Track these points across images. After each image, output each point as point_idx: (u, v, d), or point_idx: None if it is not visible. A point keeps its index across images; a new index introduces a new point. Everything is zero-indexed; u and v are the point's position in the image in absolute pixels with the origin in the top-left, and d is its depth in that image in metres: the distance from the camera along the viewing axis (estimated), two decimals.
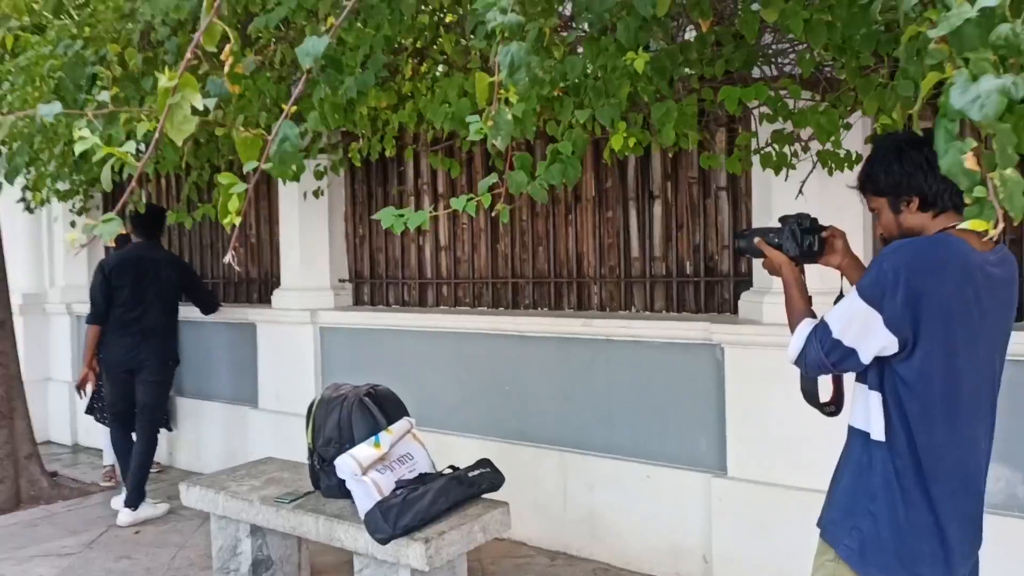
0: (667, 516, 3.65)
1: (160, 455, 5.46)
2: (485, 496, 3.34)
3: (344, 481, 3.13)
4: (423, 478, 3.21)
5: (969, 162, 0.99)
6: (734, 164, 2.91)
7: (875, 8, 1.62)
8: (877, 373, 1.79)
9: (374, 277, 5.09)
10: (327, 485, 3.30)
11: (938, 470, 1.76)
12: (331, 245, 5.06)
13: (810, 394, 2.09)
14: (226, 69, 1.35)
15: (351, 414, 3.31)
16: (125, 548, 4.19)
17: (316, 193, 4.65)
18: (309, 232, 5.03)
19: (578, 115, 2.07)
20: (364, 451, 3.18)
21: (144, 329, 4.76)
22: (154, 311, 4.81)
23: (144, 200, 5.17)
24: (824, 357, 1.81)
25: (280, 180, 4.64)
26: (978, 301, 1.73)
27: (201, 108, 1.37)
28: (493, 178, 1.86)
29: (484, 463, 3.43)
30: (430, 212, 1.85)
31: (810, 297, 2.03)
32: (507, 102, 1.59)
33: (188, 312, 5.24)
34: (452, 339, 4.43)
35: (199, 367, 5.75)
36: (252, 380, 5.30)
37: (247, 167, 1.60)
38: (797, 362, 1.91)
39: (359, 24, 2.47)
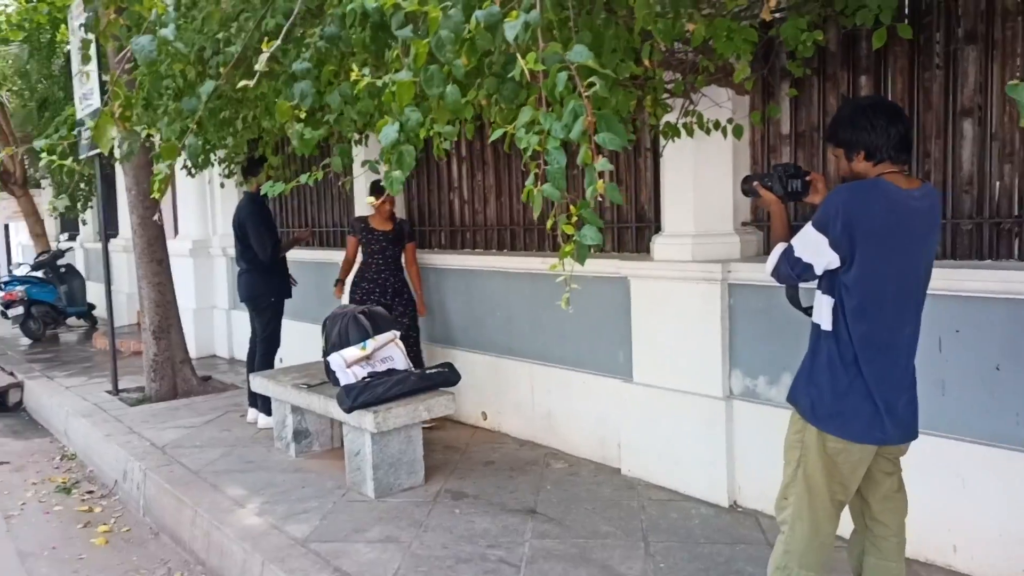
0: (596, 413, 4.59)
1: None
2: (444, 390, 4.45)
3: (335, 372, 4.38)
4: (390, 372, 4.38)
5: (383, 167, 1.97)
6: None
7: None
8: (828, 281, 2.41)
9: (423, 225, 6.26)
10: (333, 376, 4.56)
11: (870, 351, 2.35)
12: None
13: (794, 299, 2.71)
14: (117, 114, 2.53)
15: (348, 325, 4.53)
16: (229, 424, 5.77)
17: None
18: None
19: None
20: (351, 352, 4.41)
21: (238, 268, 5.78)
22: (238, 253, 5.73)
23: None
24: (790, 270, 2.45)
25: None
26: (900, 226, 2.31)
27: (116, 135, 2.57)
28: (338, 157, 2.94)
29: (445, 365, 4.55)
30: (288, 186, 2.94)
31: (791, 227, 2.61)
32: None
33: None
34: (461, 275, 5.54)
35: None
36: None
37: (164, 163, 2.80)
38: (773, 274, 2.53)
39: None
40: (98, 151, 6.42)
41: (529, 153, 1.85)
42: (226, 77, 2.91)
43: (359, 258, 5.57)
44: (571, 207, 1.82)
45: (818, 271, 2.42)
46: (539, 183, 1.77)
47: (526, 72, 1.79)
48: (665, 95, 3.57)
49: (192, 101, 3.14)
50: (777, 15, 3.39)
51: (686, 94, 3.62)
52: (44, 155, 2.81)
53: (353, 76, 1.90)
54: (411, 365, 4.59)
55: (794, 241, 2.45)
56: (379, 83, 1.90)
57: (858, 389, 2.39)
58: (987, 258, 3.29)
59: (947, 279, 3.13)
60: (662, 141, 3.87)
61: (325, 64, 2.87)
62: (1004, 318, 3.04)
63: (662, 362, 4.16)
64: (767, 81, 3.87)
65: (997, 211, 3.27)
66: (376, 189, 5.49)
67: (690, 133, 3.62)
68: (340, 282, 5.69)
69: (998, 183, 3.26)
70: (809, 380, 2.50)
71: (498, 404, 5.29)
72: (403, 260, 5.57)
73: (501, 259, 5.25)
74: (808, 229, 2.39)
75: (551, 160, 1.78)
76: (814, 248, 2.37)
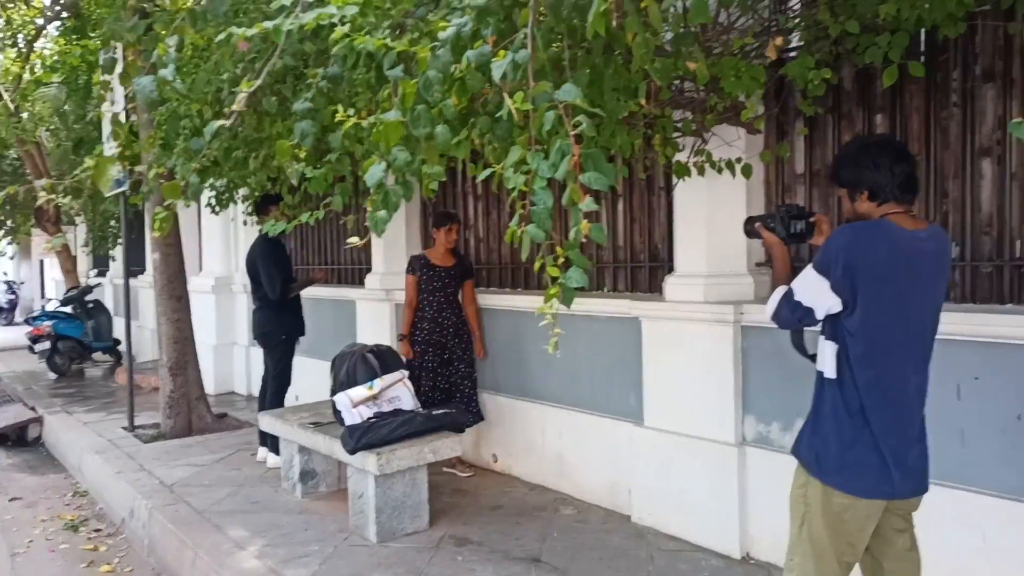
0: (607, 458, 4.47)
1: None
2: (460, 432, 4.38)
3: (340, 411, 4.33)
4: (396, 412, 4.32)
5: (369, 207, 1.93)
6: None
7: None
8: (831, 327, 2.31)
9: None
10: (339, 416, 4.50)
11: (877, 400, 2.24)
12: (407, 238, 6.29)
13: (799, 345, 2.59)
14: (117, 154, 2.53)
15: (356, 364, 4.49)
16: (239, 463, 5.72)
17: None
18: (392, 227, 6.25)
19: None
20: (358, 391, 4.35)
21: (255, 307, 5.80)
22: (252, 290, 5.67)
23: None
24: (790, 314, 2.36)
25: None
26: (905, 268, 2.22)
27: (119, 175, 2.57)
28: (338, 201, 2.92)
29: (453, 406, 4.47)
30: (290, 224, 2.92)
31: (794, 268, 2.51)
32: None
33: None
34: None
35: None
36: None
37: (167, 201, 2.81)
38: (773, 318, 2.44)
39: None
40: (122, 189, 6.51)
41: (515, 193, 1.80)
42: (231, 117, 2.91)
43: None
44: (557, 248, 1.77)
45: (819, 315, 2.31)
46: (523, 223, 1.72)
47: (514, 112, 1.76)
48: (676, 133, 3.53)
49: (200, 141, 3.16)
50: (790, 53, 3.35)
51: (697, 133, 3.57)
52: (43, 193, 2.82)
53: (338, 117, 1.88)
54: (419, 406, 4.53)
55: (794, 284, 2.36)
56: (364, 124, 1.87)
57: (865, 440, 2.27)
58: (1008, 302, 3.18)
59: (966, 324, 3.02)
60: (674, 180, 3.81)
61: (333, 104, 2.88)
62: None
63: (673, 406, 4.05)
64: (780, 120, 3.81)
65: (1019, 254, 3.16)
66: (441, 217, 5.27)
67: (701, 172, 3.56)
68: (405, 337, 5.16)
69: (1019, 224, 3.16)
70: (813, 431, 2.39)
71: (509, 446, 5.19)
72: (460, 297, 5.31)
73: (513, 298, 5.19)
74: (809, 271, 2.30)
75: (537, 200, 1.73)
76: (815, 291, 2.28)
